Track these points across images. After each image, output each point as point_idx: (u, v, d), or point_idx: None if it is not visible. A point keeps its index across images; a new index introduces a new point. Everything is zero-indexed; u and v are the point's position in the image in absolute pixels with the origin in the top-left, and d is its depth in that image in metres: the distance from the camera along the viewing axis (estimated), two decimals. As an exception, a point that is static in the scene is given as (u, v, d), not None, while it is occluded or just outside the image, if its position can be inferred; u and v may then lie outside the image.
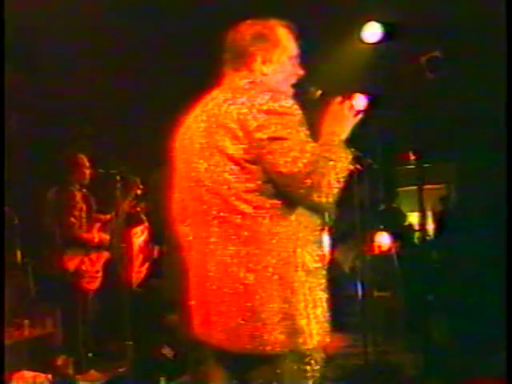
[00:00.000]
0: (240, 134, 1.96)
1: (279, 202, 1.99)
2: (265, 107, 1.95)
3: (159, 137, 3.92)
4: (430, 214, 7.50)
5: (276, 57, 2.12)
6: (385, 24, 6.01)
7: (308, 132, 2.00)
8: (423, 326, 4.96)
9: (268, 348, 1.97)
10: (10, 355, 4.17)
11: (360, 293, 4.33)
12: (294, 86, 2.17)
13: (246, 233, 1.99)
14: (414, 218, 7.78)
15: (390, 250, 6.22)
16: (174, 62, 5.67)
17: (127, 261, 4.93)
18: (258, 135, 1.94)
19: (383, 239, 6.27)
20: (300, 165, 1.91)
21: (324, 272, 2.10)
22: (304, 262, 2.01)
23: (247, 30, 2.12)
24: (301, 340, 1.99)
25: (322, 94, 2.22)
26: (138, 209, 5.08)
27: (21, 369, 4.41)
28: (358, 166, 3.82)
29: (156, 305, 4.94)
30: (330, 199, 1.98)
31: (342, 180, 2.00)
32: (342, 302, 4.65)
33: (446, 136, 6.58)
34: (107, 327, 5.14)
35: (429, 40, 5.83)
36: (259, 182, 1.98)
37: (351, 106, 2.12)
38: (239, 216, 1.99)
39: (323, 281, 2.08)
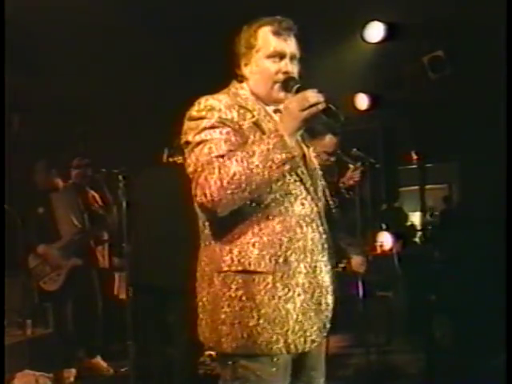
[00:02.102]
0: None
1: None
2: (188, 114, 1.99)
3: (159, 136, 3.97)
4: (431, 214, 7.51)
5: (253, 58, 2.04)
6: (387, 24, 6.00)
7: (225, 132, 1.91)
8: (425, 326, 4.95)
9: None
10: (12, 355, 4.18)
11: (361, 292, 4.32)
12: (282, 83, 2.02)
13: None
14: (416, 218, 7.79)
15: (391, 249, 6.22)
16: (174, 63, 5.68)
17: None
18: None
19: (385, 239, 6.27)
20: (189, 167, 1.92)
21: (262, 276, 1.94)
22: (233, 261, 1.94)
23: (238, 36, 2.08)
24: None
25: (298, 90, 1.95)
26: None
27: (23, 368, 4.42)
28: (360, 166, 3.82)
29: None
30: (216, 200, 1.83)
31: (254, 177, 1.82)
32: (344, 302, 4.64)
33: (447, 136, 6.57)
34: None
35: (431, 40, 5.83)
36: None
37: (305, 100, 1.83)
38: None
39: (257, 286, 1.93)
